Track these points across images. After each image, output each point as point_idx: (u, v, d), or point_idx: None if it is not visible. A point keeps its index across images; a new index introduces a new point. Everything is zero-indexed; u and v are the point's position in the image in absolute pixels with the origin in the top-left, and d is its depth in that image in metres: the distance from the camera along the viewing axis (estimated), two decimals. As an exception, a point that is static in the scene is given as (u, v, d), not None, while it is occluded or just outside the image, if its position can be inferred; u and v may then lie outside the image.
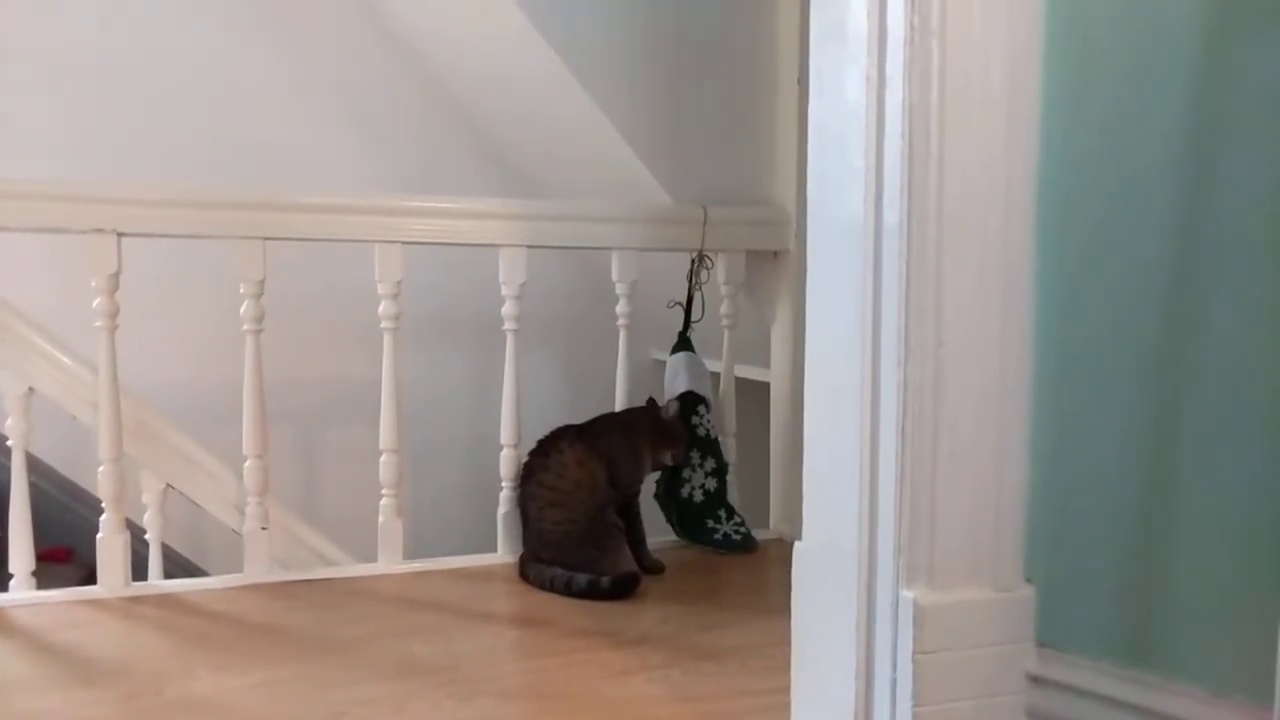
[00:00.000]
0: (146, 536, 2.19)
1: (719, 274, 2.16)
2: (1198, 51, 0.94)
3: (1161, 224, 0.97)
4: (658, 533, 2.07)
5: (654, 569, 1.92)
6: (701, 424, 2.09)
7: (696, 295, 2.12)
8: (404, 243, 1.91)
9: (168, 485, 2.20)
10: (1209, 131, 0.94)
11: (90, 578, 1.83)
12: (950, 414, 0.98)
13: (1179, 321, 0.96)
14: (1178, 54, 0.95)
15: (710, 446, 2.10)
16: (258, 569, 1.86)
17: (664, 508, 2.11)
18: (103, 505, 1.78)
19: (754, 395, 2.33)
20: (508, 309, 2.00)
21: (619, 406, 2.09)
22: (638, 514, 1.94)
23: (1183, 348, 0.96)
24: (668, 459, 1.96)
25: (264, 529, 1.87)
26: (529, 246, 1.98)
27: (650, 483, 2.08)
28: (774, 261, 2.22)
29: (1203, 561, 0.96)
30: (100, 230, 1.73)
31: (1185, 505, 0.97)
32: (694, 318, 2.13)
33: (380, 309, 1.92)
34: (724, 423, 2.19)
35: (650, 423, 1.95)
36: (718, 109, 2.31)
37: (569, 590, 1.77)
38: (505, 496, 1.99)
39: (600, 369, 2.29)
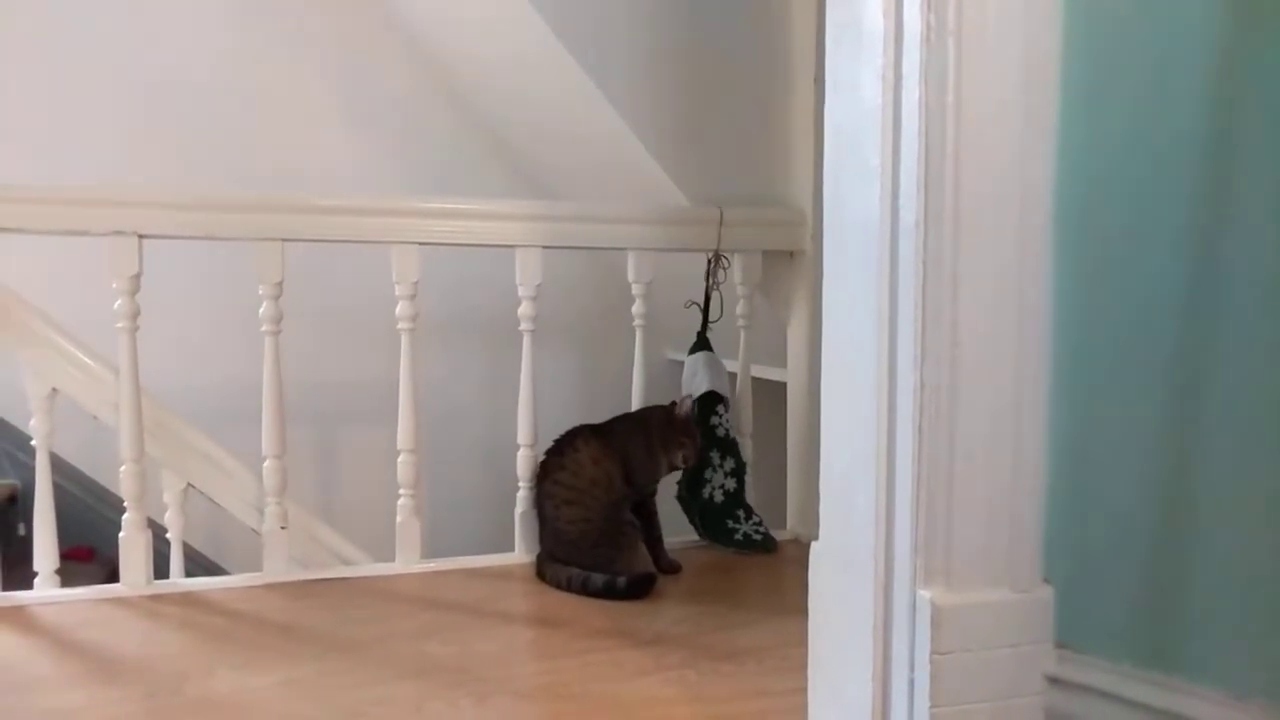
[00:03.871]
0: (168, 535, 2.21)
1: (735, 274, 2.16)
2: (1216, 50, 0.94)
3: (1180, 223, 0.96)
4: (677, 532, 2.07)
5: (671, 569, 1.92)
6: (721, 424, 2.09)
7: (714, 295, 2.12)
8: (420, 244, 1.92)
9: (188, 485, 2.22)
10: (1228, 131, 0.93)
11: (112, 576, 1.85)
12: (967, 414, 0.98)
13: (1198, 320, 0.96)
14: (1196, 52, 0.95)
15: (730, 446, 2.10)
16: (277, 568, 1.88)
17: (686, 509, 2.10)
18: (124, 504, 1.80)
19: (771, 395, 2.33)
20: (524, 310, 2.00)
21: (635, 407, 2.09)
22: (654, 513, 1.94)
23: (1202, 347, 0.95)
24: (680, 459, 1.95)
25: (283, 528, 1.88)
26: (545, 247, 1.99)
27: (672, 484, 2.08)
28: (790, 262, 2.22)
29: (1222, 563, 0.95)
30: (121, 233, 1.75)
31: (1205, 506, 0.96)
32: (711, 318, 2.12)
33: (397, 310, 1.93)
34: (741, 423, 2.19)
35: (664, 421, 1.95)
36: (733, 110, 2.31)
37: (585, 590, 1.77)
38: (522, 496, 2.00)
39: (616, 369, 2.29)
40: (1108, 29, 1.00)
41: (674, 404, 1.98)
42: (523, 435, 2.01)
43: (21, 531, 2.70)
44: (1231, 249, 0.93)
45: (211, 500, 2.27)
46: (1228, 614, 0.95)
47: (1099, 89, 1.00)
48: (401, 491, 1.95)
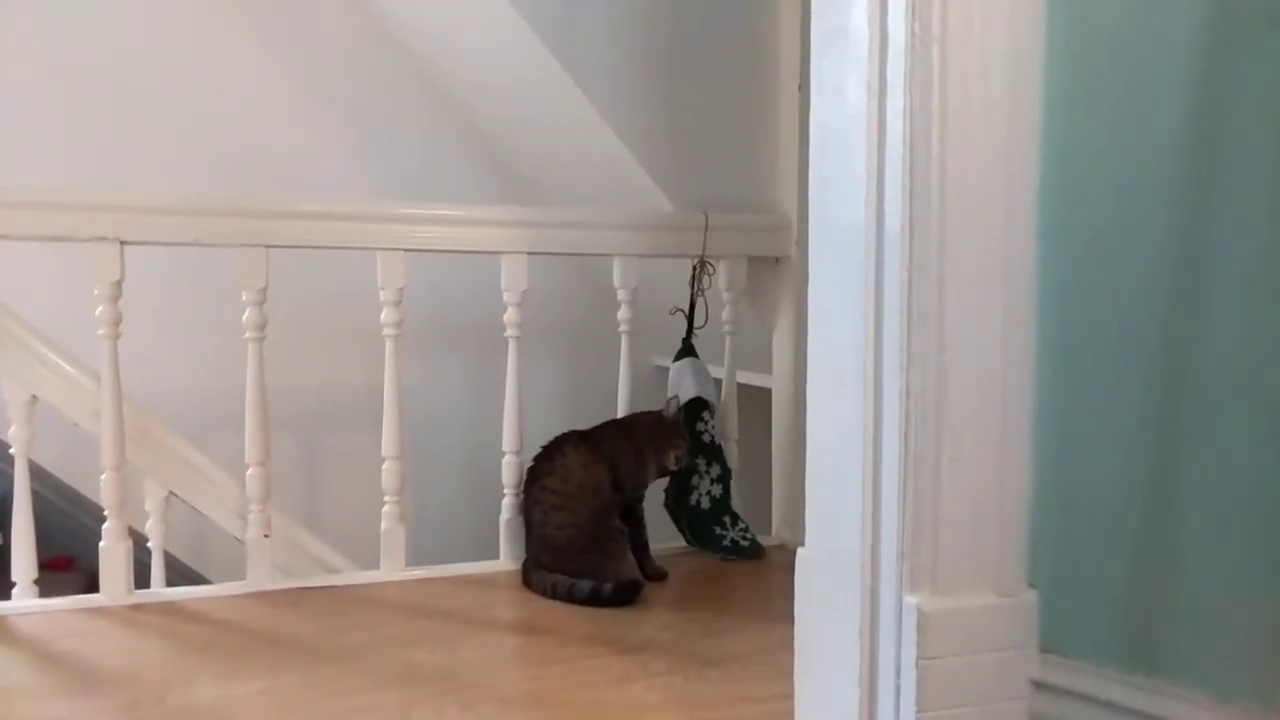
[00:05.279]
0: (149, 544, 2.19)
1: (720, 280, 2.16)
2: (1197, 56, 0.95)
3: (1163, 228, 0.97)
4: (664, 539, 2.07)
5: (657, 576, 1.91)
6: (707, 430, 2.09)
7: (699, 301, 2.12)
8: (406, 250, 1.91)
9: (170, 493, 2.20)
10: (1209, 136, 0.94)
11: (92, 585, 1.83)
12: (952, 420, 0.98)
13: (1181, 327, 0.96)
14: (1177, 59, 0.96)
15: (716, 453, 2.10)
16: (260, 576, 1.86)
17: (674, 517, 2.10)
18: (105, 513, 1.78)
19: (756, 401, 2.33)
20: (509, 316, 2.00)
21: (621, 413, 2.09)
22: (641, 519, 1.94)
23: (1185, 353, 0.96)
24: (671, 461, 1.95)
25: (266, 536, 1.87)
26: (531, 253, 1.98)
27: (660, 491, 2.08)
28: (775, 267, 2.22)
29: (1206, 567, 0.95)
30: (103, 238, 1.73)
31: (1189, 510, 0.97)
32: (696, 324, 2.13)
33: (382, 316, 1.92)
34: (726, 429, 2.19)
35: (653, 425, 1.95)
36: (719, 115, 2.31)
37: (571, 597, 1.77)
38: (507, 503, 1.99)
39: (602, 375, 2.29)
40: (1090, 35, 1.00)
41: (662, 409, 1.98)
42: (508, 442, 2.00)
43: None
44: (1214, 252, 0.94)
45: (194, 508, 2.25)
46: (1212, 618, 0.96)
47: (1082, 93, 1.01)
48: (386, 499, 1.94)
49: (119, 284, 1.75)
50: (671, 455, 1.94)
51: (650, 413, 1.98)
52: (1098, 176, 1.01)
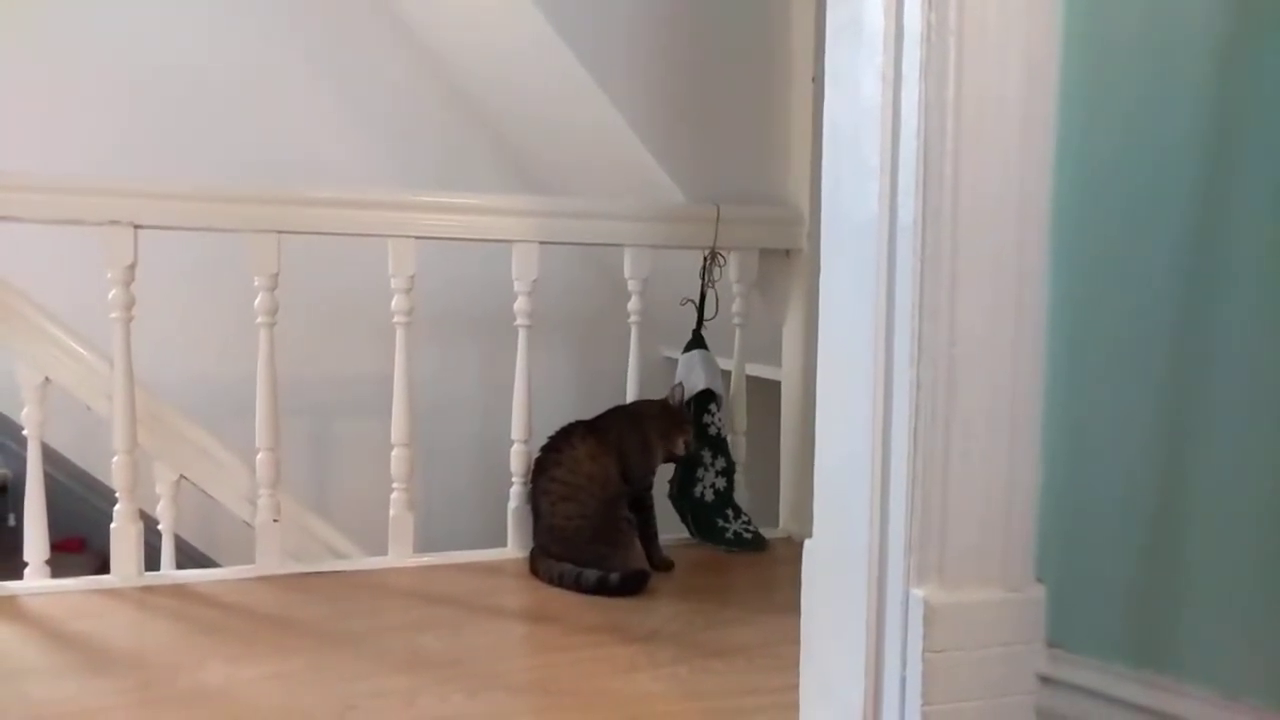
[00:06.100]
0: (159, 527, 2.21)
1: (731, 272, 2.16)
2: (1215, 54, 0.94)
3: (1177, 225, 0.97)
4: (670, 530, 2.07)
5: (664, 566, 1.92)
6: (713, 422, 2.09)
7: (709, 293, 2.12)
8: (417, 237, 1.92)
9: (181, 476, 2.22)
10: (1226, 134, 0.94)
11: (104, 567, 1.85)
12: (962, 414, 0.98)
13: (1193, 322, 0.96)
14: (1195, 56, 0.95)
15: (721, 445, 2.11)
16: (269, 561, 1.87)
17: (678, 508, 2.10)
18: (116, 495, 1.79)
19: (765, 394, 2.33)
20: (520, 305, 2.00)
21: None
22: (650, 508, 1.94)
23: (1197, 348, 0.96)
24: (680, 448, 1.95)
25: (275, 521, 1.88)
26: (541, 242, 1.99)
27: (665, 482, 2.08)
28: (786, 260, 2.22)
29: (1215, 563, 0.95)
30: (116, 222, 1.74)
31: (1197, 506, 0.96)
32: (707, 316, 2.13)
33: (393, 304, 1.93)
34: (735, 421, 2.19)
35: (660, 413, 1.95)
36: (732, 107, 2.31)
37: (578, 586, 1.77)
38: (516, 491, 2.00)
39: (612, 365, 2.30)
40: (1108, 27, 1.00)
41: (666, 397, 1.98)
42: (517, 431, 2.01)
43: (11, 522, 2.68)
44: (1230, 250, 0.94)
45: (204, 492, 2.27)
46: (1219, 614, 0.95)
47: (1098, 87, 1.00)
48: (395, 485, 1.95)
49: (132, 268, 1.76)
50: (680, 441, 1.94)
51: (655, 401, 1.98)
52: (1112, 174, 1.01)
